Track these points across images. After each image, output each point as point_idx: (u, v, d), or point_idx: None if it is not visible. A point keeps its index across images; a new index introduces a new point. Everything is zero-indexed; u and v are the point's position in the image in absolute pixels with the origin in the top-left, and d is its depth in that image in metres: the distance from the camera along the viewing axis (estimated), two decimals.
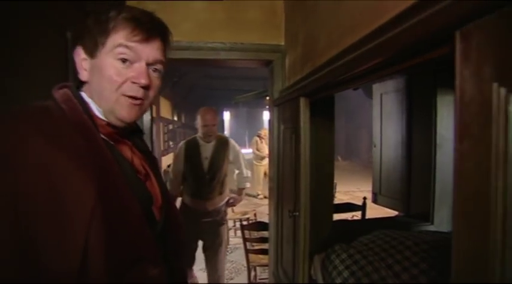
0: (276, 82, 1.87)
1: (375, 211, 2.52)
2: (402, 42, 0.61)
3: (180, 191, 2.38)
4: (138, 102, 0.61)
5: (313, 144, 1.42)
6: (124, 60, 0.59)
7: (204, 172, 2.29)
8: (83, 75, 0.62)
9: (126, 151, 0.65)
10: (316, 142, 1.48)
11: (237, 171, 2.59)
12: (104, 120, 0.61)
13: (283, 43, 1.85)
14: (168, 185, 2.28)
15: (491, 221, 0.39)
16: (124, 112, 0.60)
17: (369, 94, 2.32)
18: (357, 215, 2.95)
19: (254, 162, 6.37)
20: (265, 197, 5.67)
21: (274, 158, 1.94)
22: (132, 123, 0.65)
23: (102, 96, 0.60)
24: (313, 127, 1.41)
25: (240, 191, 2.62)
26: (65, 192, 0.49)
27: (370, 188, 2.24)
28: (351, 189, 7.05)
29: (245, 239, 2.34)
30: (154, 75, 0.63)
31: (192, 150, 2.32)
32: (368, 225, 1.80)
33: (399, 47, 0.63)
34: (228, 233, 3.38)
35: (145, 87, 0.61)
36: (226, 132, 16.61)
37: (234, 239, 3.83)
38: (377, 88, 2.09)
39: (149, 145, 1.04)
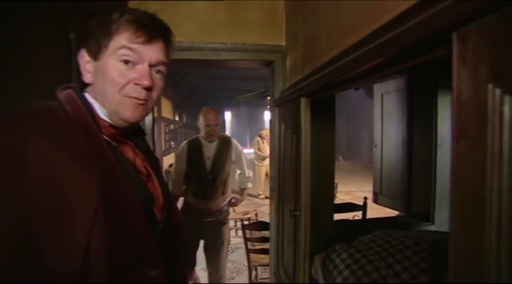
0: (277, 82, 1.88)
1: (375, 211, 2.52)
2: (403, 42, 0.61)
3: (183, 191, 2.37)
4: (142, 101, 0.61)
5: (314, 144, 1.42)
6: (127, 62, 0.59)
7: (207, 172, 2.28)
8: (87, 78, 0.62)
9: (128, 152, 0.65)
10: (317, 142, 1.48)
11: (238, 171, 2.58)
12: (106, 121, 0.61)
13: (284, 43, 1.85)
14: (170, 185, 2.28)
15: (486, 222, 0.39)
16: (128, 112, 0.61)
17: (370, 94, 2.31)
18: (357, 215, 2.95)
19: (255, 162, 6.38)
20: (266, 197, 5.66)
21: (275, 158, 1.94)
22: (135, 124, 0.65)
23: (106, 97, 0.60)
24: (314, 127, 1.41)
25: (241, 191, 2.61)
26: (67, 193, 0.49)
27: (371, 188, 2.24)
28: (352, 189, 7.04)
29: (246, 239, 2.34)
30: (157, 76, 0.63)
31: (194, 150, 2.32)
32: (369, 225, 1.79)
33: (400, 47, 0.63)
34: (229, 233, 3.38)
35: (148, 89, 0.61)
36: (228, 132, 16.57)
37: (235, 239, 3.82)
38: (378, 88, 2.08)
39: (151, 145, 1.05)
